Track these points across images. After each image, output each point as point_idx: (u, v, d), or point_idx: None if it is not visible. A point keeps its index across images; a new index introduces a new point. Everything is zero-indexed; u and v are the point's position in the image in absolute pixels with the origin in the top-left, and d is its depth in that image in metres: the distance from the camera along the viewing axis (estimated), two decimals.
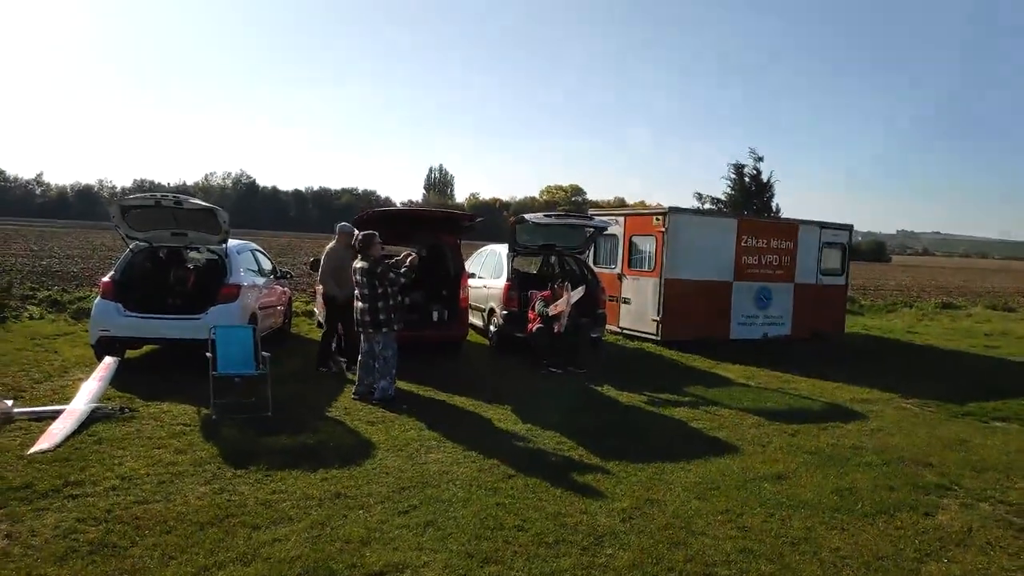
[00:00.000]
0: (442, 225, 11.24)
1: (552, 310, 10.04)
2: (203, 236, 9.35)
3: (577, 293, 10.17)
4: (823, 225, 14.75)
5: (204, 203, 8.87)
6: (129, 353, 9.28)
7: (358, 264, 8.02)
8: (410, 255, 8.29)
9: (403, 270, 8.08)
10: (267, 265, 11.60)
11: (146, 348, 9.89)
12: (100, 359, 8.34)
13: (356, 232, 9.90)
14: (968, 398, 9.40)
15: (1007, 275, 71.02)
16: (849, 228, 15.44)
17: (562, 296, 10.16)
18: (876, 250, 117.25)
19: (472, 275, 12.50)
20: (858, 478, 6.08)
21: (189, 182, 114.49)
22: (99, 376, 7.56)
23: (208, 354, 7.28)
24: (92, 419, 6.66)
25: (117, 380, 7.72)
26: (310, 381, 8.84)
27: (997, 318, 22.31)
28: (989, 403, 9.17)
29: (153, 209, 8.81)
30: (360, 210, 11.04)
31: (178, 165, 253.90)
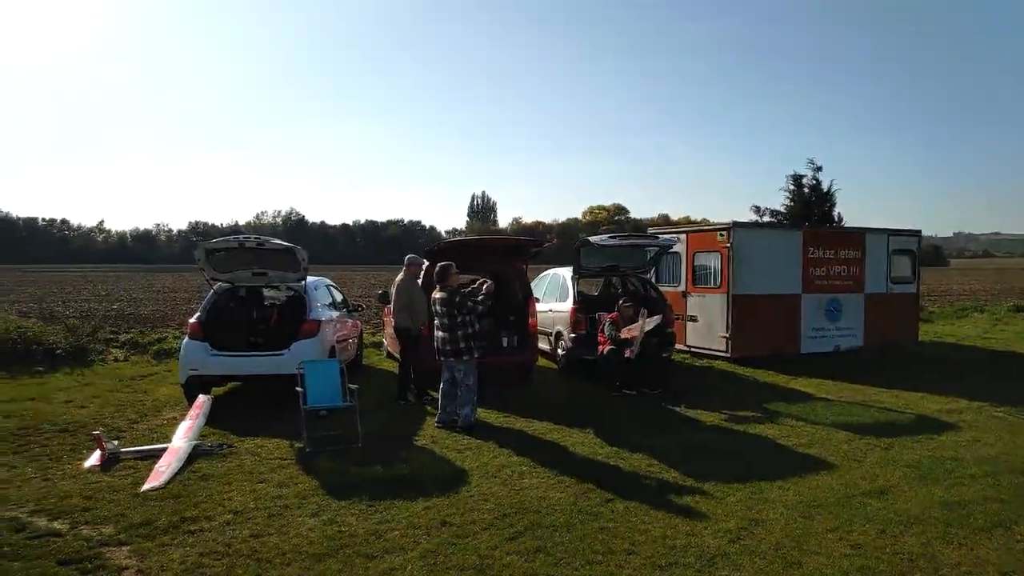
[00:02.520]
0: (509, 251, 11.36)
1: (625, 334, 10.01)
2: (282, 275, 9.65)
3: (653, 321, 10.12)
4: (891, 232, 14.45)
5: (285, 243, 9.18)
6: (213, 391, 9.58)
7: (437, 295, 8.18)
8: (485, 282, 8.41)
9: (480, 297, 8.21)
10: (339, 298, 11.89)
11: (228, 385, 10.21)
12: (189, 398, 8.64)
13: (424, 263, 10.10)
14: None
15: None
16: (918, 234, 15.08)
17: (632, 318, 10.14)
18: (932, 254, 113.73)
19: (536, 299, 12.57)
20: (964, 491, 5.92)
21: (241, 221, 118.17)
22: (194, 414, 7.83)
23: (299, 388, 7.50)
24: (194, 456, 6.91)
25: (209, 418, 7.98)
26: (390, 412, 9.00)
27: None
28: None
29: (236, 251, 9.15)
30: (430, 242, 11.21)
31: (230, 206, 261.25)
